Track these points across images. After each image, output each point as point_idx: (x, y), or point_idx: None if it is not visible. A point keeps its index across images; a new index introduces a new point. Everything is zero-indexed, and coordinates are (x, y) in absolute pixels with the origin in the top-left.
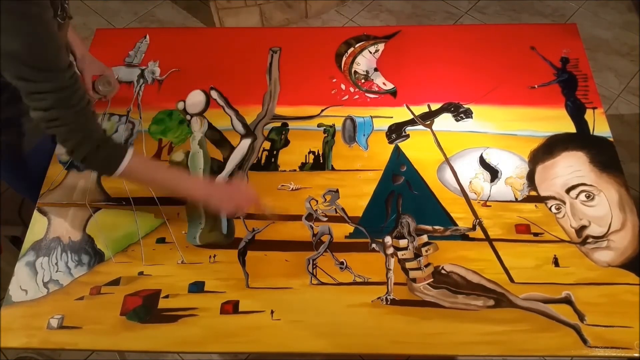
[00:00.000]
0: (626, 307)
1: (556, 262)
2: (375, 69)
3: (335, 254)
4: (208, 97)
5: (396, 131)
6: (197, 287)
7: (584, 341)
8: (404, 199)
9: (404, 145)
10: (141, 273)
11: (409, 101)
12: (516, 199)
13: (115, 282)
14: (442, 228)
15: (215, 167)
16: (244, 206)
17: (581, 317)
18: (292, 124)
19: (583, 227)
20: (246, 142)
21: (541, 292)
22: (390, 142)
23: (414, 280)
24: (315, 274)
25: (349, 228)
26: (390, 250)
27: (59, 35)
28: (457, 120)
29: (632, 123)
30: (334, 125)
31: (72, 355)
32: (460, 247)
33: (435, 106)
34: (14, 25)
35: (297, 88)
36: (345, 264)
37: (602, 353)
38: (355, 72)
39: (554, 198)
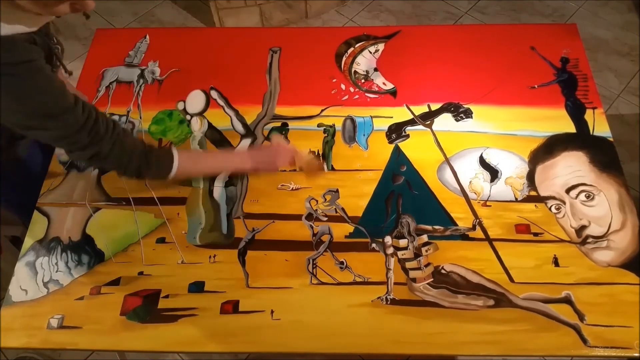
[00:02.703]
0: (626, 307)
1: (556, 262)
2: (375, 69)
3: (335, 253)
4: (208, 97)
5: (396, 131)
6: (197, 287)
7: (584, 341)
8: (404, 199)
9: (404, 145)
10: (141, 273)
11: (409, 101)
12: (516, 199)
13: (115, 282)
14: (442, 228)
15: None
16: (287, 162)
17: (581, 317)
18: (292, 124)
19: (583, 227)
20: (246, 142)
21: (541, 292)
22: (390, 142)
23: (414, 280)
24: (315, 273)
25: (349, 228)
26: (390, 250)
27: (55, 77)
28: (457, 120)
29: (632, 123)
30: (334, 125)
31: (72, 355)
32: (460, 247)
33: (435, 106)
34: (10, 83)
35: (297, 88)
36: (345, 263)
37: (602, 353)
38: (355, 72)
39: (553, 198)
